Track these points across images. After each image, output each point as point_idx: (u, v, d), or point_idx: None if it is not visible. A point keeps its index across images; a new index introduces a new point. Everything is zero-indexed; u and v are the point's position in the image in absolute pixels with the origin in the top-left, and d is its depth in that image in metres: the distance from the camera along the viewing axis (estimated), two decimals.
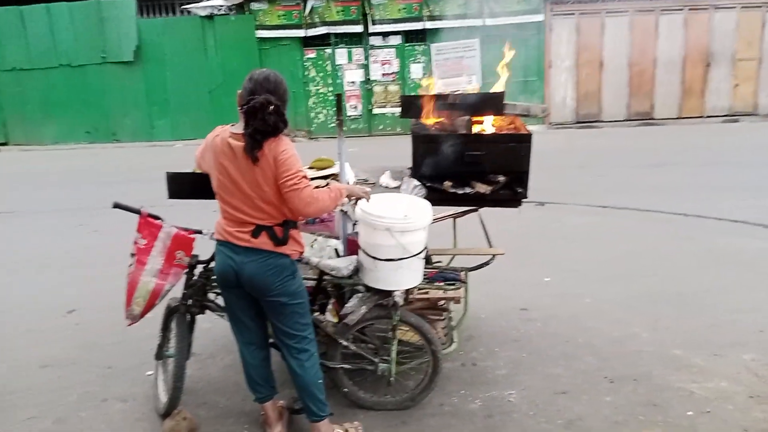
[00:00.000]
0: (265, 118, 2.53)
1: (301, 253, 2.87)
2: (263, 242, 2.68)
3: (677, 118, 14.62)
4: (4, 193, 9.05)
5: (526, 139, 3.34)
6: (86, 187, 9.63)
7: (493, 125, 3.64)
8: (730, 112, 14.68)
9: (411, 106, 3.70)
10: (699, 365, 3.65)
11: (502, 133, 3.53)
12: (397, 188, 3.56)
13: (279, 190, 2.62)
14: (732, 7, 14.14)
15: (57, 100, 14.58)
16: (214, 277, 3.21)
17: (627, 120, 14.69)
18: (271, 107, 2.54)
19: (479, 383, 3.52)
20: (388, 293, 3.02)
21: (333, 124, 14.36)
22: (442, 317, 3.67)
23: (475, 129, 3.72)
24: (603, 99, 14.68)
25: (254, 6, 13.93)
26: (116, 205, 3.08)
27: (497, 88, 3.61)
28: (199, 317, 3.27)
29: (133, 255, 3.08)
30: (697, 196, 7.64)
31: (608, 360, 3.74)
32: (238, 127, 2.62)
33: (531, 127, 3.63)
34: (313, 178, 3.47)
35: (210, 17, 14.16)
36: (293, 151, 2.64)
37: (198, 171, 2.95)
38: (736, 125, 14.08)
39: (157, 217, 3.11)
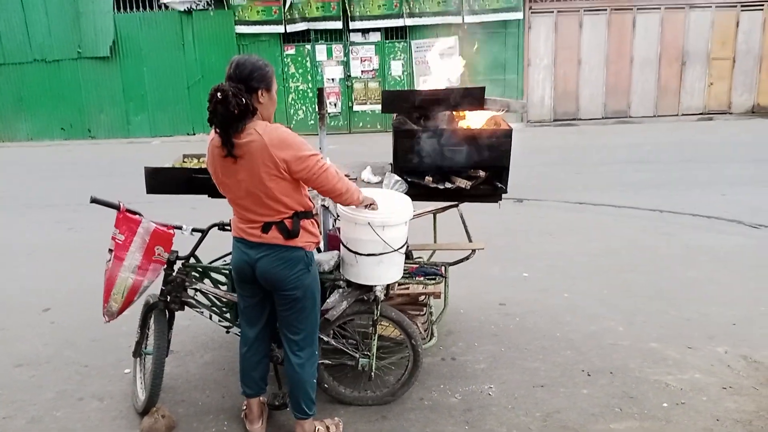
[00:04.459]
0: (214, 109, 2.37)
1: (317, 243, 2.78)
2: (274, 237, 2.61)
3: (653, 117, 14.83)
4: None
5: (506, 134, 3.36)
6: (62, 184, 9.47)
7: (473, 120, 3.65)
8: (704, 111, 14.92)
9: (392, 101, 3.70)
10: (674, 358, 3.71)
11: (483, 128, 3.55)
12: (379, 183, 3.57)
13: (286, 184, 2.53)
14: (707, 7, 14.35)
15: (31, 95, 14.29)
16: (195, 273, 3.21)
17: (604, 118, 14.86)
18: (219, 95, 2.35)
19: (459, 377, 3.55)
20: (369, 288, 3.02)
21: (313, 121, 14.29)
22: (422, 312, 3.69)
23: (456, 124, 3.73)
24: (580, 97, 14.82)
25: (233, 1, 13.81)
26: (94, 200, 3.03)
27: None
28: (177, 314, 3.24)
29: (111, 251, 3.04)
30: (672, 192, 7.76)
31: (585, 354, 3.79)
32: None
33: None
34: None
35: (188, 12, 14.01)
36: (297, 143, 2.50)
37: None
38: (710, 123, 14.31)
39: (135, 213, 3.07)
